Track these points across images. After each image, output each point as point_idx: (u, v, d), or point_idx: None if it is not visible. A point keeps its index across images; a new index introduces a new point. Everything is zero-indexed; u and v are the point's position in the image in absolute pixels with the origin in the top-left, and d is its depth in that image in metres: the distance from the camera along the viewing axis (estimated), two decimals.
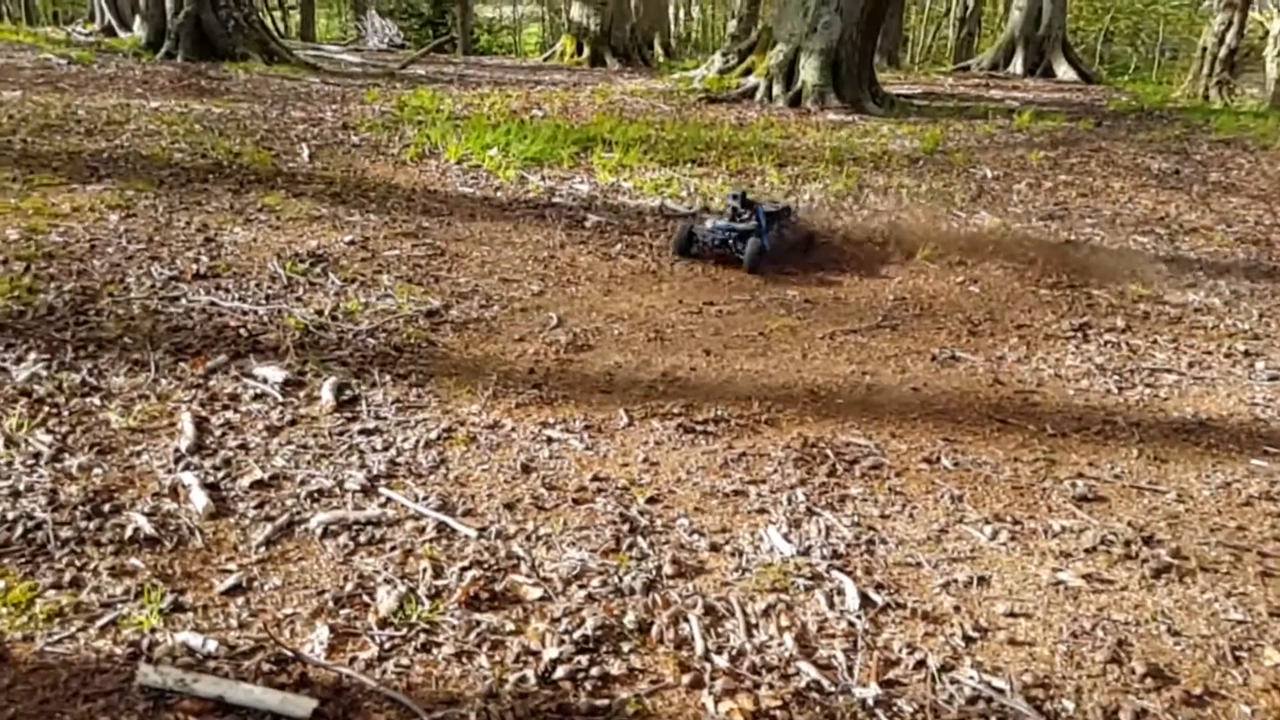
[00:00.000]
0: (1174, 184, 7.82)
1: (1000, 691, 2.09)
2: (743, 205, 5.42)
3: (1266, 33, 14.12)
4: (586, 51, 16.60)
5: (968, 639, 2.26)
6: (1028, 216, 6.69)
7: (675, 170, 7.39)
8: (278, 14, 23.84)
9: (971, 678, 2.12)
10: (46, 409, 3.06)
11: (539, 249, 5.40)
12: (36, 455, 2.78)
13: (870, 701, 2.03)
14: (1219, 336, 4.60)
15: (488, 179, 6.86)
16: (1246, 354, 4.36)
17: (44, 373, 3.28)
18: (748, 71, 11.61)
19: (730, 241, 5.24)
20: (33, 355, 3.39)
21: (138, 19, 12.74)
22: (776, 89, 10.96)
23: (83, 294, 3.99)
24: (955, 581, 2.49)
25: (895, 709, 2.03)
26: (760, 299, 4.87)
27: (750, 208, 5.41)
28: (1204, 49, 14.56)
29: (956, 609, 2.38)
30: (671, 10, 24.50)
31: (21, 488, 2.60)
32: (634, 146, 7.89)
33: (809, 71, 10.76)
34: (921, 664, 2.16)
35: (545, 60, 17.54)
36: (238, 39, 11.91)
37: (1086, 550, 2.67)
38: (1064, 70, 17.06)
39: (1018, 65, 17.35)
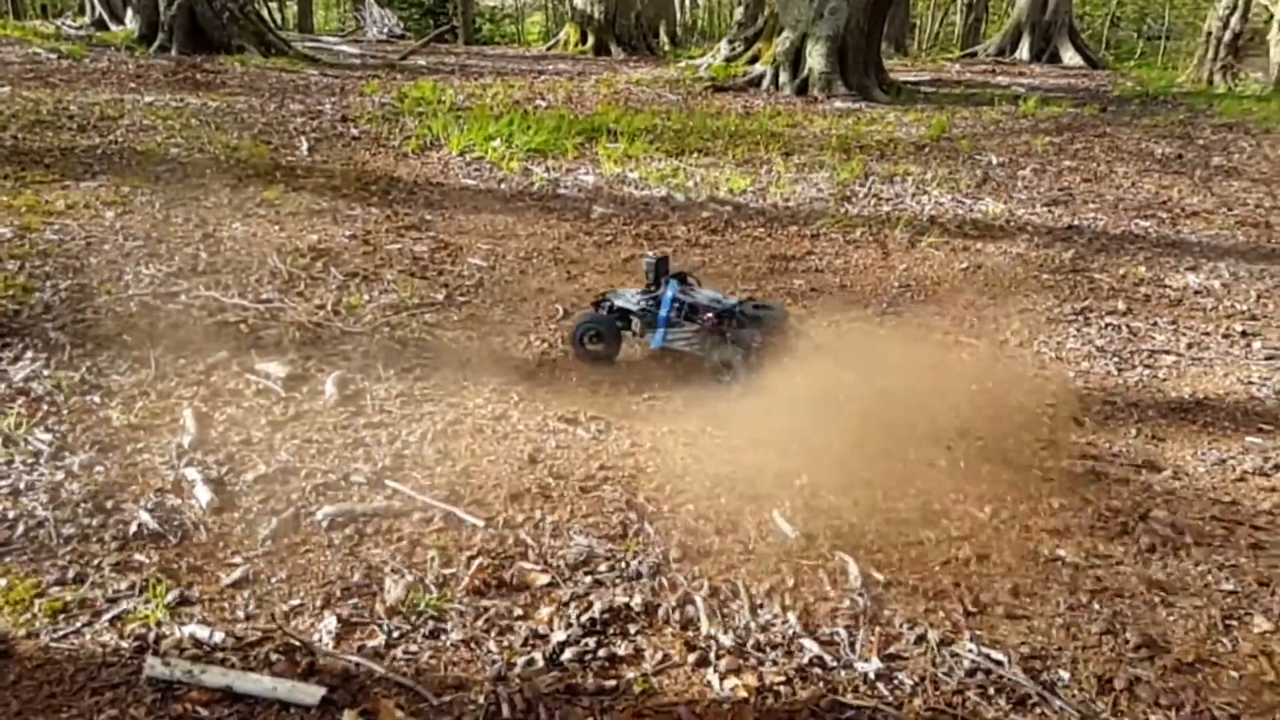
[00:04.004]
0: (1177, 168, 7.78)
1: (998, 663, 2.12)
2: (653, 275, 3.82)
3: (1271, 16, 13.99)
4: (591, 40, 16.51)
5: (967, 614, 2.29)
6: (1032, 202, 6.66)
7: (681, 160, 7.37)
8: (274, 5, 23.75)
9: (970, 650, 2.15)
10: (45, 408, 3.06)
11: (544, 241, 5.39)
12: (36, 454, 2.78)
13: (871, 675, 2.06)
14: (1217, 318, 4.60)
15: (491, 171, 6.85)
16: (1244, 334, 4.36)
17: (42, 371, 3.28)
18: (754, 59, 11.57)
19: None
20: (30, 354, 3.39)
21: (129, 11, 12.65)
22: (783, 77, 10.91)
23: (80, 292, 3.98)
24: (955, 558, 2.50)
25: (896, 682, 2.05)
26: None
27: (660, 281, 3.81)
28: (1208, 33, 14.46)
29: (956, 585, 2.39)
30: None
31: (22, 486, 2.61)
32: (639, 136, 7.86)
33: (815, 59, 10.70)
34: (922, 639, 2.18)
35: (549, 50, 17.46)
36: (233, 31, 11.85)
37: (1084, 526, 2.69)
38: (1070, 56, 16.96)
39: (1024, 51, 17.25)
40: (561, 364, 3.75)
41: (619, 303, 3.82)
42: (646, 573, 2.37)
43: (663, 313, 3.71)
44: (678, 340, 3.74)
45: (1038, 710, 2.00)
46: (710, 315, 3.62)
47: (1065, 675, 2.10)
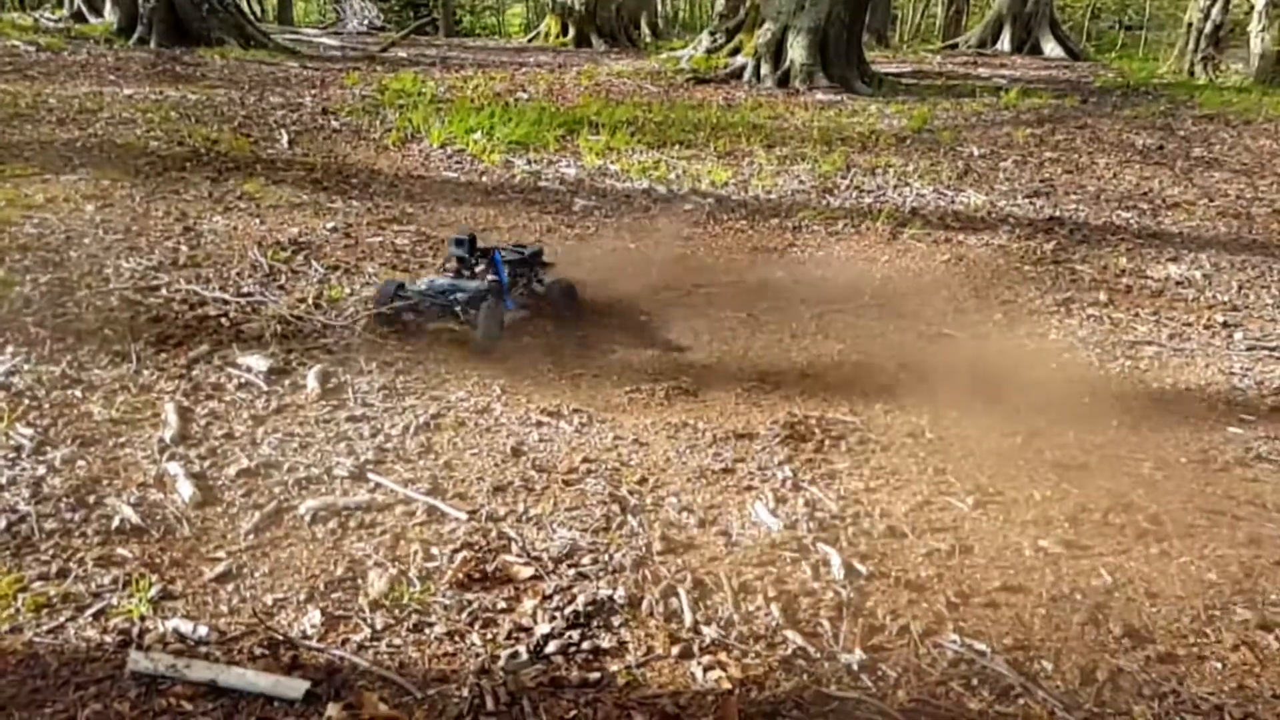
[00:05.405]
0: (1158, 159, 7.85)
1: (981, 654, 2.13)
2: (470, 253, 3.95)
3: (1251, 8, 14.09)
4: (572, 32, 16.43)
5: (950, 605, 2.30)
6: (1013, 194, 6.71)
7: (663, 152, 7.36)
8: None
9: (954, 642, 2.16)
10: (26, 402, 3.03)
11: (526, 234, 5.37)
12: (18, 449, 2.76)
13: (855, 666, 2.07)
14: (1199, 309, 4.65)
15: (472, 163, 6.81)
16: (1225, 325, 4.42)
17: (23, 366, 3.24)
18: (735, 51, 11.54)
19: (455, 307, 3.75)
20: (10, 349, 3.35)
21: (108, 4, 12.49)
22: (764, 68, 10.90)
23: (60, 286, 3.94)
24: (938, 551, 2.52)
25: (879, 673, 2.06)
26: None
27: (484, 255, 3.99)
28: (1189, 24, 14.54)
29: (939, 577, 2.41)
30: None
31: (4, 481, 2.58)
32: (621, 129, 7.84)
33: (797, 50, 10.70)
34: (905, 630, 2.19)
35: (530, 41, 17.36)
36: (213, 23, 11.72)
37: (1066, 518, 2.71)
38: (1051, 47, 17.06)
39: (1005, 43, 17.33)
40: (544, 357, 3.75)
41: (456, 287, 3.79)
42: (630, 565, 2.38)
43: (504, 278, 3.94)
44: (517, 293, 4.02)
45: (1021, 701, 2.02)
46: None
47: (1049, 666, 2.11)
